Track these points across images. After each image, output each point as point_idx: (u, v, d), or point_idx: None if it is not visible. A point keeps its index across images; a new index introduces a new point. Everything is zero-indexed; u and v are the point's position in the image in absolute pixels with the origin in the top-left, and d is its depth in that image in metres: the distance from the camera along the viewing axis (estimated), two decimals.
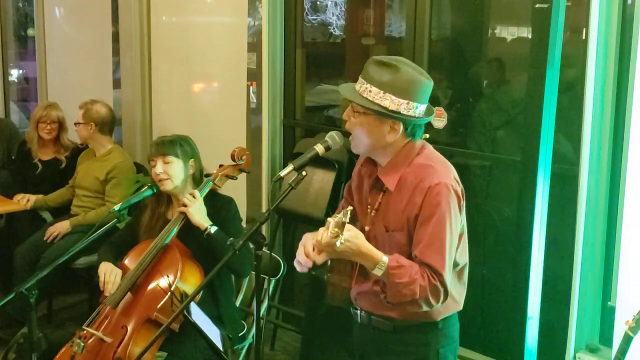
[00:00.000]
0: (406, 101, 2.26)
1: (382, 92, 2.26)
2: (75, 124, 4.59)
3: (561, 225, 3.28)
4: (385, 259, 2.21)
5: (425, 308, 2.26)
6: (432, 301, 2.24)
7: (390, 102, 2.25)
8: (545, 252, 3.18)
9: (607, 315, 3.23)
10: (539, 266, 3.16)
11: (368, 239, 2.32)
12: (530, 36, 3.43)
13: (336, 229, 2.07)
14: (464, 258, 2.41)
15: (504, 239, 3.61)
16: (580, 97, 3.07)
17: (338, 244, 2.07)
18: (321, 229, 2.17)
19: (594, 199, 3.13)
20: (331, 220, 2.09)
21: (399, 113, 2.26)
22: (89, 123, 4.55)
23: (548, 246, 3.19)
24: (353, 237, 2.17)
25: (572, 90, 3.30)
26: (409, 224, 2.29)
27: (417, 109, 2.30)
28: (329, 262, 2.36)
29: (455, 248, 2.31)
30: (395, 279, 2.21)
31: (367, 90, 2.28)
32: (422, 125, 2.37)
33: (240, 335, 3.39)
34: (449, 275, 2.26)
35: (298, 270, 2.31)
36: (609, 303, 3.23)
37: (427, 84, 2.32)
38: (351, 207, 2.16)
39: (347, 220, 2.08)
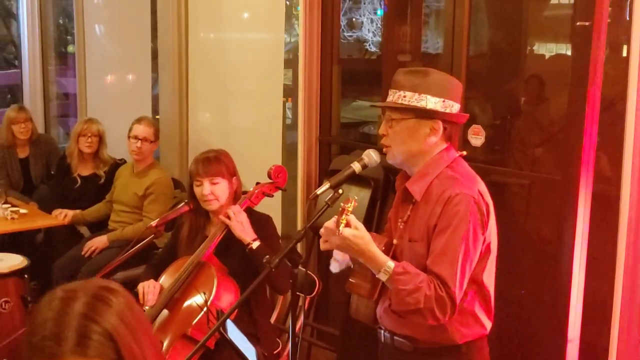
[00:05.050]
0: (442, 99, 2.25)
1: (417, 94, 2.24)
2: (139, 139, 4.51)
3: (602, 246, 3.22)
4: (391, 264, 2.17)
5: (431, 321, 2.18)
6: (438, 313, 2.15)
7: (427, 102, 2.24)
8: (586, 272, 3.12)
9: None
10: (579, 287, 3.10)
11: (395, 252, 2.30)
12: (569, 53, 3.39)
13: (337, 217, 2.12)
14: (491, 281, 2.34)
15: (543, 259, 3.55)
16: (622, 115, 3.02)
17: (338, 231, 2.11)
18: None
19: (635, 219, 3.07)
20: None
21: (437, 112, 2.25)
22: (157, 141, 4.62)
23: (588, 267, 3.13)
24: (355, 237, 2.15)
25: (613, 108, 3.24)
26: (429, 235, 2.24)
27: (454, 107, 2.28)
28: (352, 267, 2.36)
29: (472, 263, 2.22)
30: (400, 285, 2.16)
31: (401, 97, 2.27)
32: (457, 128, 2.36)
33: (275, 352, 3.38)
34: (459, 290, 2.17)
35: (333, 270, 2.34)
36: None
37: (458, 83, 2.33)
38: (356, 197, 2.17)
39: (350, 208, 2.11)
